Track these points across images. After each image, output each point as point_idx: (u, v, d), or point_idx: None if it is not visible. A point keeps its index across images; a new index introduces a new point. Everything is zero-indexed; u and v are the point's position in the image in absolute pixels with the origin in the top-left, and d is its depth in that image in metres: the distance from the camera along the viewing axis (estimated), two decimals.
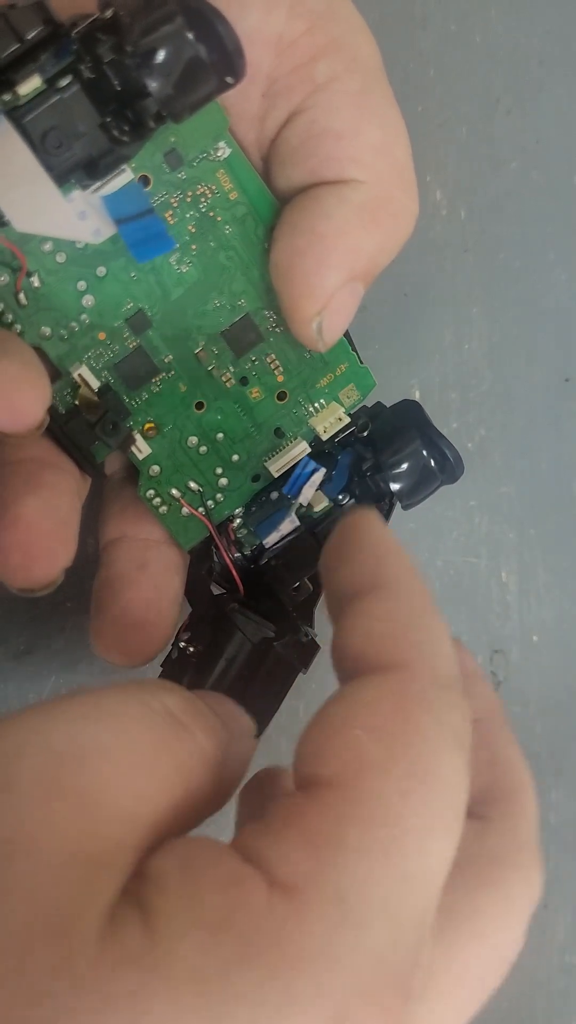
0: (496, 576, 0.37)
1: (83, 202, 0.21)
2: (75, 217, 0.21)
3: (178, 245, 0.24)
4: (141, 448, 0.25)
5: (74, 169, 0.21)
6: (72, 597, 0.31)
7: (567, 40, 0.36)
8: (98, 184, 0.21)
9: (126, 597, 0.25)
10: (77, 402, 0.24)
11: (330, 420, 0.26)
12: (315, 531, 0.25)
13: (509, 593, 0.37)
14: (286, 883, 0.15)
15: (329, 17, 0.23)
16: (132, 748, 0.16)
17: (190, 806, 0.17)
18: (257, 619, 0.25)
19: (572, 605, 0.38)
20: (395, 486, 0.25)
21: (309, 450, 0.26)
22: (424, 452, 0.25)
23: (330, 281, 0.23)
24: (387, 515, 0.26)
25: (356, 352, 0.26)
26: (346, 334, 0.25)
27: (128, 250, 0.22)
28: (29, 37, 0.19)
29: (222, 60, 0.19)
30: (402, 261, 0.25)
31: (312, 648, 0.27)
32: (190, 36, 0.19)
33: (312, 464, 0.25)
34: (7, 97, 0.19)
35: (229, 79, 0.20)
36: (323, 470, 0.25)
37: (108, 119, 0.20)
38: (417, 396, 0.36)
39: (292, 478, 0.25)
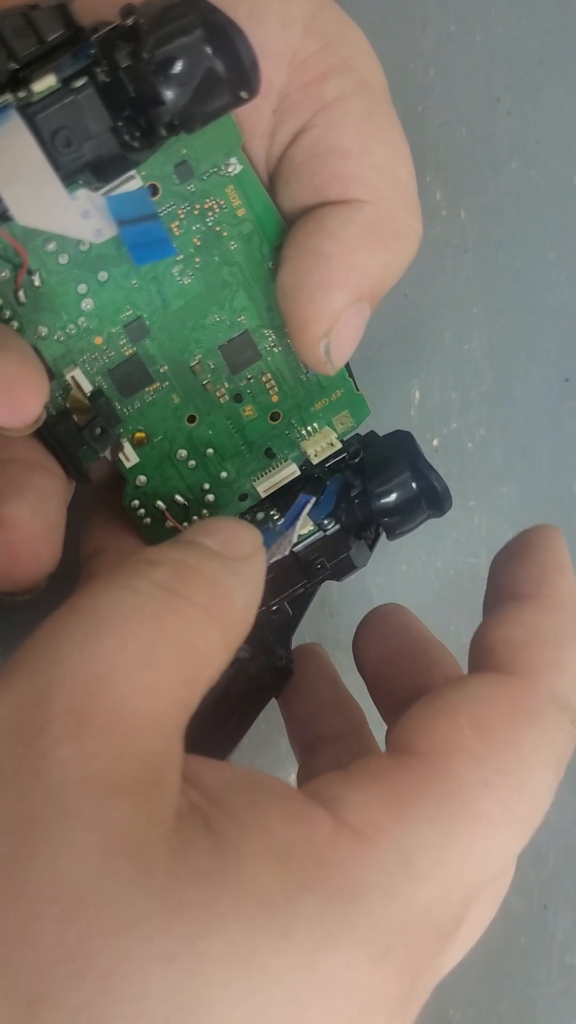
0: None
1: (87, 202, 0.21)
2: (78, 216, 0.21)
3: (180, 256, 0.24)
4: (129, 456, 0.25)
5: (82, 170, 0.21)
6: None
7: (567, 40, 0.36)
8: (106, 187, 0.21)
9: None
10: (68, 404, 0.24)
11: (322, 444, 0.26)
12: (297, 553, 0.25)
13: None
14: (354, 827, 0.16)
15: (341, 39, 0.23)
16: (136, 651, 0.17)
17: (206, 667, 0.18)
18: None
19: None
20: (382, 515, 0.25)
21: (298, 473, 0.26)
22: (413, 484, 0.25)
23: (336, 302, 0.22)
24: (372, 545, 0.26)
25: (353, 379, 0.26)
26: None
27: (128, 253, 0.22)
28: (50, 39, 0.19)
29: (238, 75, 0.19)
30: None
31: (286, 673, 0.26)
32: (208, 49, 0.19)
33: (307, 497, 0.25)
34: (22, 94, 0.20)
35: (244, 94, 0.20)
36: (314, 499, 0.25)
37: (120, 123, 0.20)
38: (417, 396, 0.36)
39: (288, 512, 0.25)
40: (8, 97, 0.20)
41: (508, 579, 0.21)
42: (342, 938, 0.16)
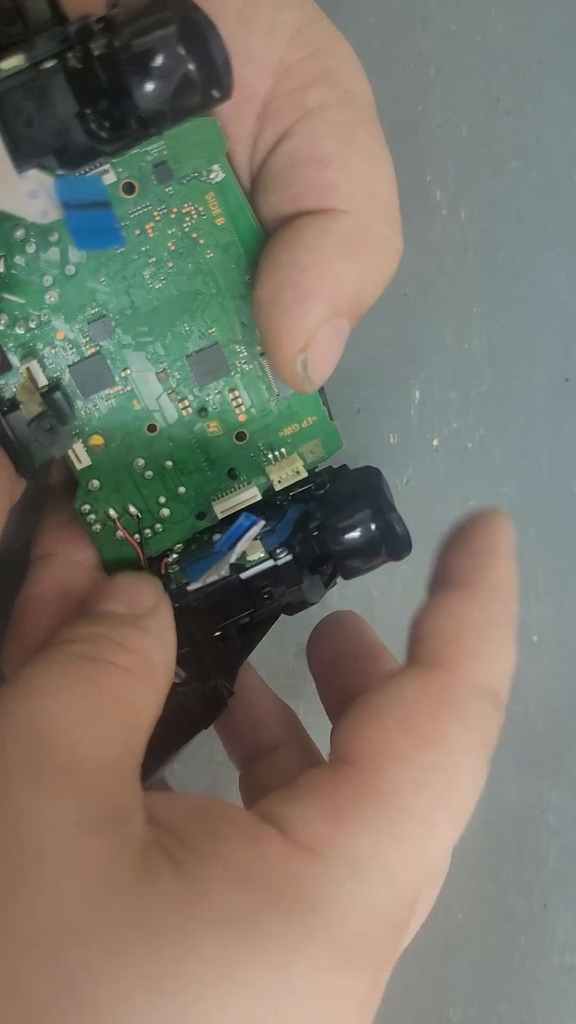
0: None
1: (37, 182, 0.21)
2: (25, 194, 0.20)
3: (153, 259, 0.23)
4: (80, 458, 0.24)
5: (41, 152, 0.20)
6: None
7: (567, 40, 0.36)
8: (73, 175, 0.21)
9: (46, 626, 0.24)
10: (16, 396, 0.23)
11: (287, 471, 0.25)
12: (245, 579, 0.24)
13: None
14: (304, 844, 0.17)
15: (329, 51, 0.23)
16: (78, 708, 0.19)
17: (141, 718, 0.20)
18: None
19: (572, 605, 0.38)
20: (338, 553, 0.24)
21: (259, 498, 0.25)
22: (373, 525, 0.24)
23: (312, 316, 0.22)
24: (328, 582, 0.25)
25: (328, 408, 0.25)
26: (320, 391, 0.25)
27: (70, 237, 0.21)
28: (36, 25, 0.19)
29: (210, 74, 0.19)
30: (402, 261, 0.24)
31: (220, 703, 0.25)
32: (180, 45, 0.19)
33: (251, 519, 0.24)
34: None
35: (216, 93, 0.20)
36: (261, 523, 0.24)
37: (88, 111, 0.20)
38: (417, 396, 0.36)
39: (228, 532, 0.24)
40: None
41: (446, 565, 0.21)
42: (307, 946, 0.17)
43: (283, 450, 0.25)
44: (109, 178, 0.22)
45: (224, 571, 0.24)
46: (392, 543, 0.24)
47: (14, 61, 0.19)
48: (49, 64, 0.20)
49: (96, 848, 0.17)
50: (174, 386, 0.24)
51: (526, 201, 0.36)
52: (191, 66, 0.19)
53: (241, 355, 0.24)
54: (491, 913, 0.38)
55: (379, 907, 0.18)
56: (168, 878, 0.17)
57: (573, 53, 0.36)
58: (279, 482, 0.25)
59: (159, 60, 0.19)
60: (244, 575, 0.24)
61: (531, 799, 0.38)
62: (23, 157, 0.20)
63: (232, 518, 0.25)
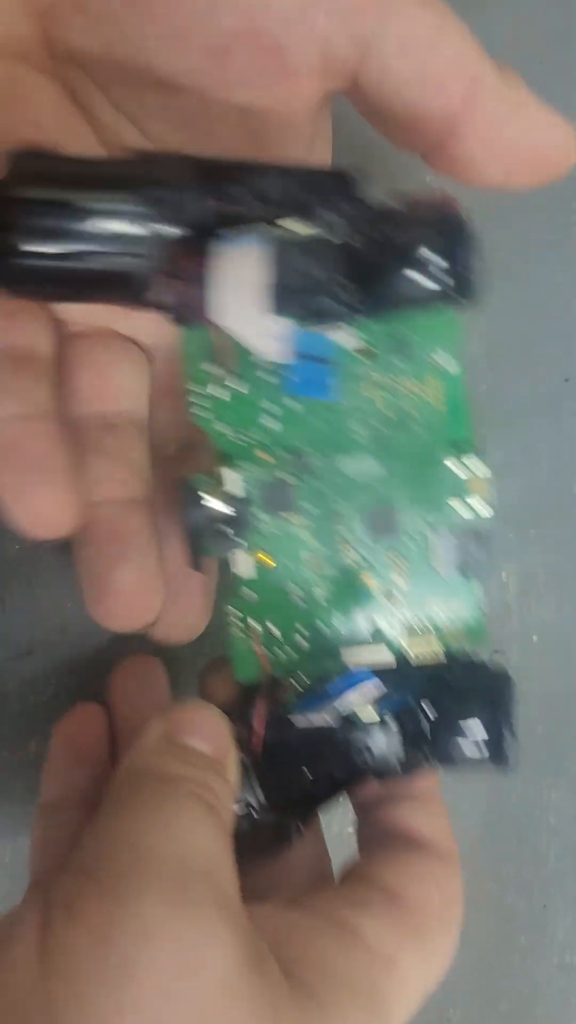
0: (496, 576, 0.37)
1: (284, 328, 0.23)
2: (271, 335, 0.23)
3: (341, 401, 0.25)
4: (247, 569, 0.25)
5: (296, 304, 0.22)
6: (73, 598, 0.31)
7: (567, 40, 0.36)
8: (315, 330, 0.24)
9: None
10: (208, 495, 0.25)
11: (426, 649, 0.26)
12: (349, 737, 0.25)
13: (509, 593, 0.37)
14: (384, 953, 0.22)
15: None
16: (214, 848, 0.20)
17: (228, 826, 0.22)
18: (255, 789, 0.24)
19: (572, 605, 0.38)
20: (446, 749, 0.25)
21: (392, 663, 0.26)
22: (487, 737, 0.25)
23: None
24: (426, 759, 0.25)
25: (482, 606, 0.26)
26: (480, 586, 0.26)
27: (289, 380, 0.24)
28: (323, 198, 0.22)
29: (464, 284, 0.22)
30: None
31: (286, 839, 0.25)
32: (448, 256, 0.22)
33: (366, 675, 0.25)
34: (279, 230, 0.22)
35: (463, 300, 0.22)
36: (379, 685, 0.25)
37: (345, 282, 0.22)
38: None
39: (341, 679, 0.25)
40: (270, 228, 0.22)
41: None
42: None
43: (428, 624, 0.26)
44: (352, 342, 0.24)
45: (330, 719, 0.25)
46: (498, 755, 0.25)
47: (303, 228, 0.22)
48: (330, 236, 0.22)
49: (263, 990, 0.18)
50: (348, 536, 0.26)
51: (526, 201, 0.36)
52: (451, 276, 0.22)
53: (416, 525, 0.26)
54: (491, 913, 0.38)
55: (415, 1005, 0.22)
56: (311, 1010, 0.19)
57: (573, 53, 0.36)
58: (416, 656, 0.26)
59: (426, 263, 0.22)
60: (350, 733, 0.25)
61: (531, 799, 0.38)
62: (281, 304, 0.22)
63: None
